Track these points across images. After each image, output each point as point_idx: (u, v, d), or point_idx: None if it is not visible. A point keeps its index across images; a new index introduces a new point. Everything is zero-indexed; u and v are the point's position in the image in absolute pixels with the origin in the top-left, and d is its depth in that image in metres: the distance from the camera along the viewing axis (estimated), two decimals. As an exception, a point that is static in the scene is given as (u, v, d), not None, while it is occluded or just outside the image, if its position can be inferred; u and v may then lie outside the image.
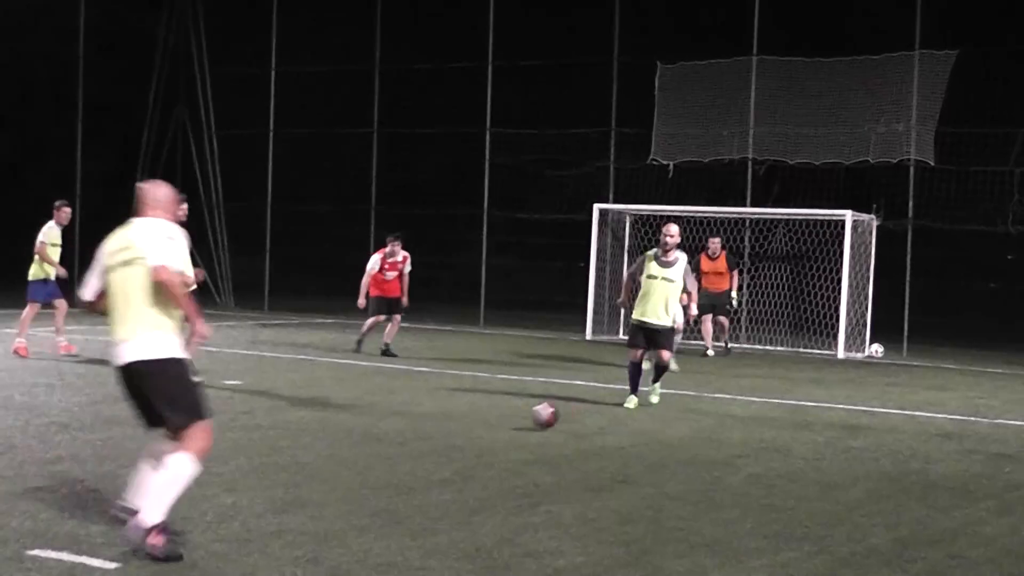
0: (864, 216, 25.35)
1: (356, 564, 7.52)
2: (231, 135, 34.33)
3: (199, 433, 7.76)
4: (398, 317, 21.72)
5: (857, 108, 26.31)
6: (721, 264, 23.83)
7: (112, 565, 7.30)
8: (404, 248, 21.66)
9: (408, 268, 21.65)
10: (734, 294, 24.11)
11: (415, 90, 33.44)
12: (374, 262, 21.53)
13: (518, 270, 33.31)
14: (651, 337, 15.70)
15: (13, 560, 7.34)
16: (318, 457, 11.18)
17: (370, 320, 21.62)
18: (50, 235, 19.67)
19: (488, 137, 30.91)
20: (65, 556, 7.46)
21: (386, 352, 21.19)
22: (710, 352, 23.58)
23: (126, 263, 7.78)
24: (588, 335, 27.12)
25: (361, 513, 8.92)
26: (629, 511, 9.38)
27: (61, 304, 19.97)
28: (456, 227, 31.46)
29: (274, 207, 33.32)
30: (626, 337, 26.80)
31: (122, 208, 30.32)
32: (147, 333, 7.68)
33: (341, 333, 24.91)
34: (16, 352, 19.20)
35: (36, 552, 7.53)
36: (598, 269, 27.51)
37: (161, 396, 7.69)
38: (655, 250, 15.96)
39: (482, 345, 21.03)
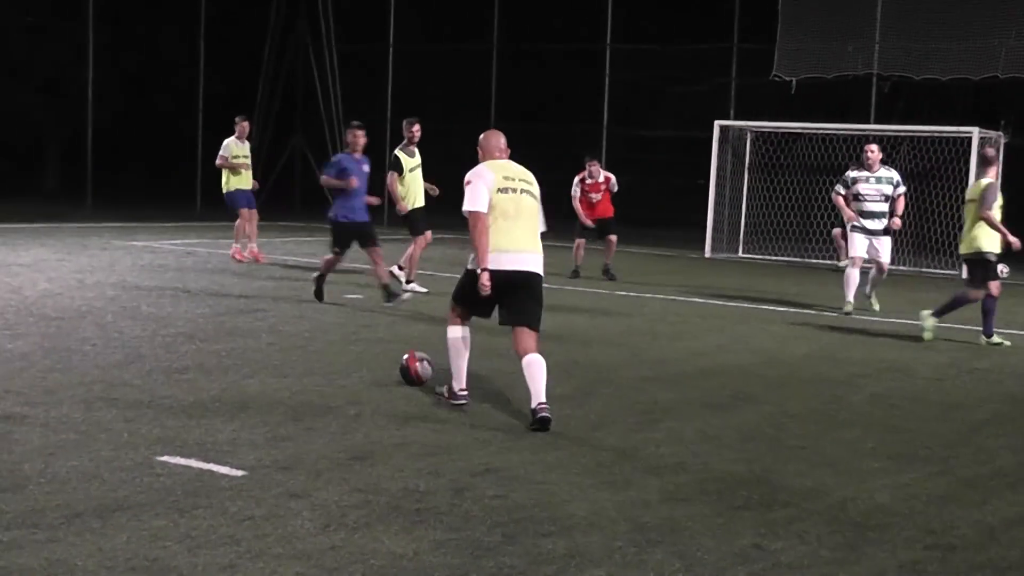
0: (991, 133, 24.75)
1: (478, 477, 7.58)
2: (351, 50, 34.42)
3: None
4: (612, 238, 21.18)
5: (987, 21, 25.61)
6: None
7: (239, 472, 7.44)
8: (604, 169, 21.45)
9: (615, 188, 21.27)
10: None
11: (536, 5, 33.20)
12: (574, 188, 21.14)
13: (637, 187, 33.09)
14: None
15: (143, 465, 7.51)
16: (438, 371, 11.26)
17: (576, 242, 21.15)
18: (229, 149, 21.09)
19: (608, 53, 30.64)
20: (193, 463, 7.62)
21: (606, 273, 20.74)
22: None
23: (532, 194, 9.56)
24: (707, 252, 26.95)
25: (483, 427, 8.99)
26: (750, 428, 9.34)
27: (253, 214, 21.15)
28: (575, 143, 31.30)
29: (394, 123, 33.39)
30: (747, 256, 26.68)
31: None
32: (542, 253, 9.60)
33: (460, 249, 24.93)
34: (241, 259, 20.80)
35: (165, 458, 7.70)
36: (718, 186, 27.25)
37: (540, 302, 9.55)
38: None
39: (601, 262, 20.95)
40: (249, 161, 21.45)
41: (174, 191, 34.92)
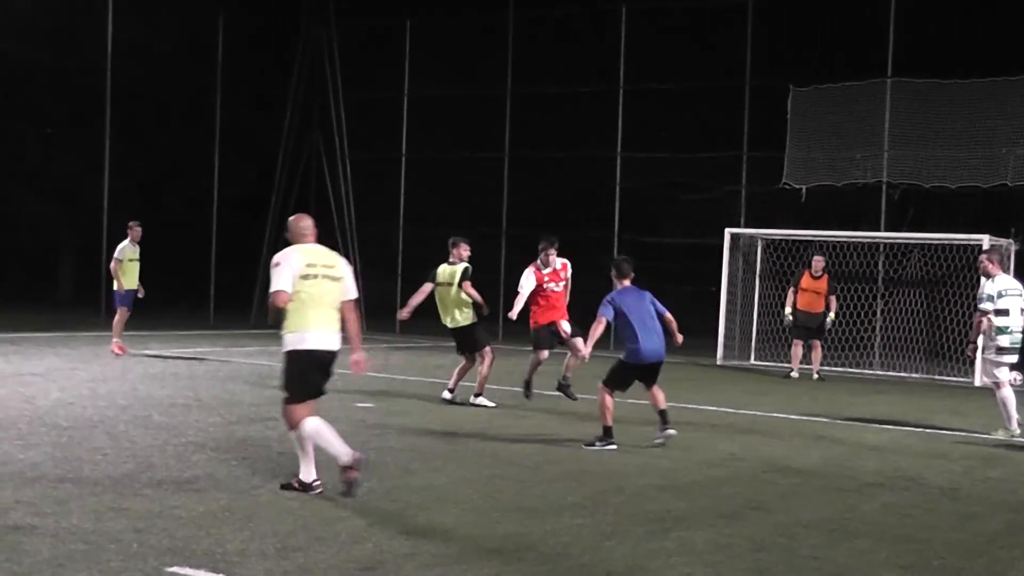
0: (1002, 240, 24.82)
1: (487, 587, 7.54)
2: (363, 159, 34.74)
3: None
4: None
5: (994, 130, 25.81)
6: (822, 285, 23.71)
7: (248, 584, 7.42)
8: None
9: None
10: (831, 317, 23.84)
11: (546, 114, 33.55)
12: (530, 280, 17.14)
13: (649, 294, 33.08)
14: None
15: (152, 575, 7.50)
16: (449, 480, 11.24)
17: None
18: (124, 252, 22.74)
19: (619, 161, 30.89)
20: (203, 574, 7.59)
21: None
22: (794, 374, 23.75)
23: (332, 277, 10.51)
24: (719, 360, 26.92)
25: (492, 537, 8.95)
26: (762, 538, 9.29)
27: (124, 313, 22.77)
28: (587, 251, 31.40)
29: (406, 230, 33.63)
30: (759, 363, 26.62)
31: (257, 229, 31.01)
32: (339, 331, 10.53)
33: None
34: (114, 352, 22.31)
35: (175, 569, 7.68)
36: (729, 294, 27.30)
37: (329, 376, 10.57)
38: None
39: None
40: (138, 264, 22.92)
41: (188, 298, 35.05)
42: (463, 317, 17.39)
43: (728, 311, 27.22)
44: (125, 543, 8.29)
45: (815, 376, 23.64)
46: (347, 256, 34.22)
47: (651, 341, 14.10)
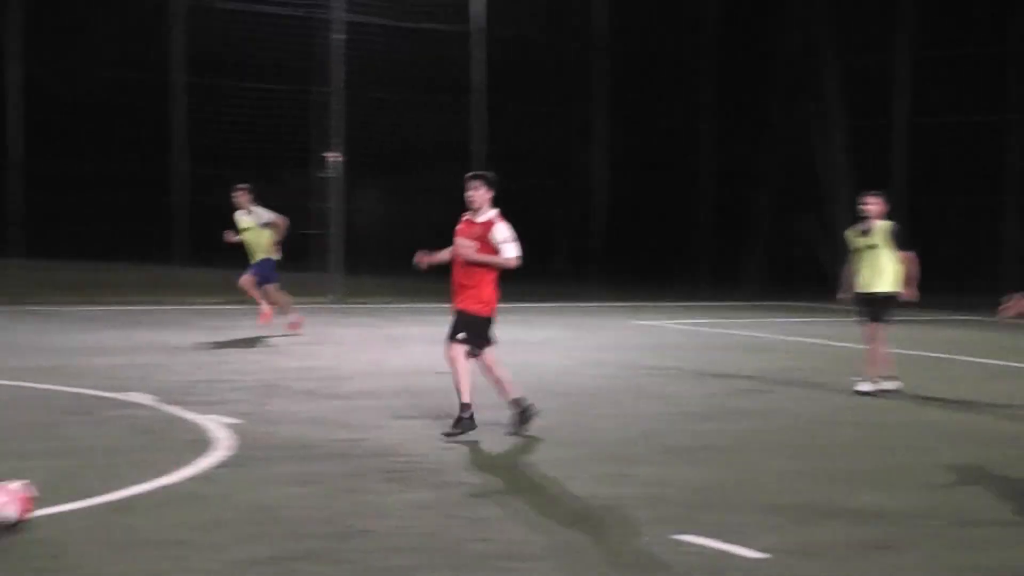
0: None
1: None
2: (860, 126, 33.70)
3: None
4: None
5: None
6: None
7: (762, 555, 7.16)
8: None
9: None
10: None
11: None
12: None
13: None
14: None
15: (660, 543, 7.41)
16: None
17: None
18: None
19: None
20: (712, 543, 7.43)
21: None
22: None
23: None
24: None
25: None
26: None
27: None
28: None
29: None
30: None
31: (743, 200, 29.70)
32: None
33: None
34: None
35: (682, 536, 7.55)
36: None
37: None
38: None
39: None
40: (251, 233, 19.68)
41: (677, 271, 35.13)
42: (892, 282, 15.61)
43: None
44: (631, 508, 8.25)
45: None
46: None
47: None
